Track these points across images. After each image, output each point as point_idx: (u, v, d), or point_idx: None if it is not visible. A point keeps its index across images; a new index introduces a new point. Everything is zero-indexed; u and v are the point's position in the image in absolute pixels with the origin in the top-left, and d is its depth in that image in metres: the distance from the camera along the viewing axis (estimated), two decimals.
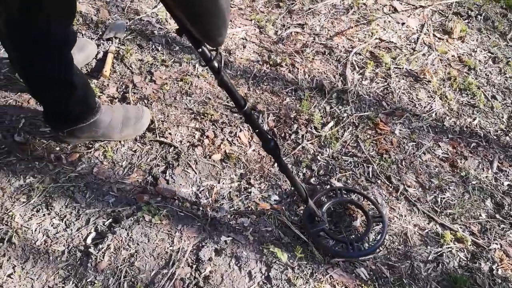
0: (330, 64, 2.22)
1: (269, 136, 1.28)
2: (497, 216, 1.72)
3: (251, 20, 2.41)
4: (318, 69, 2.19)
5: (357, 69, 2.21)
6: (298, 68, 2.17)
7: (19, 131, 1.71)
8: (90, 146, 1.71)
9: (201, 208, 1.62)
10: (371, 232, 1.60)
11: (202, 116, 1.89)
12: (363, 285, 1.48)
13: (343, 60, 2.23)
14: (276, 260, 1.49)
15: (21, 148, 1.67)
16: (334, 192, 1.71)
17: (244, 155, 1.80)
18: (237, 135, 1.85)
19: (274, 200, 1.69)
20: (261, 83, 2.08)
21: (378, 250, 1.57)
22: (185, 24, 0.94)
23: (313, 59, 2.23)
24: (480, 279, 1.52)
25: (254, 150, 1.83)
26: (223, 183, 1.71)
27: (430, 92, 2.14)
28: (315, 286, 1.45)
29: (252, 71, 2.13)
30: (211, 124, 1.87)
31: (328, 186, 1.74)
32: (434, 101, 2.11)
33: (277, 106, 1.98)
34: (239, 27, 2.36)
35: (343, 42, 2.34)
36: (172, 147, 1.77)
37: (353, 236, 1.60)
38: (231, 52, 2.21)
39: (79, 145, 1.71)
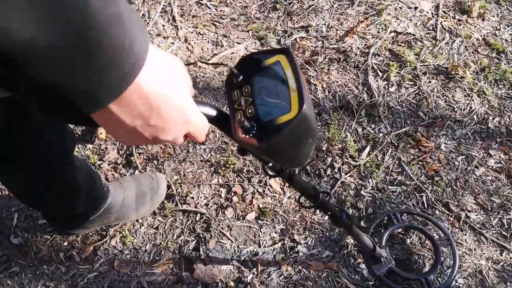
0: (348, 72, 1.95)
1: (340, 208, 1.04)
2: None
3: (248, 31, 2.10)
4: (337, 81, 1.92)
5: (380, 74, 1.95)
6: (315, 84, 1.90)
7: (15, 230, 1.42)
8: (104, 233, 1.44)
9: (248, 286, 1.39)
10: (441, 258, 1.42)
11: (224, 168, 1.62)
12: None
13: (362, 65, 1.97)
14: None
15: (21, 251, 1.39)
16: (389, 218, 1.52)
17: (280, 206, 1.56)
18: (267, 184, 1.60)
19: (327, 256, 1.47)
20: None
21: (455, 278, 1.39)
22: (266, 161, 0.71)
23: (328, 69, 1.95)
24: None
25: (289, 198, 1.58)
26: (265, 246, 1.48)
27: (466, 90, 1.91)
28: None
29: None
30: (235, 175, 1.61)
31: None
32: (473, 100, 1.88)
33: None
34: (238, 43, 2.05)
35: (356, 42, 2.07)
36: (199, 214, 1.51)
37: (422, 266, 1.41)
38: None
39: (90, 234, 1.43)
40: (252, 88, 0.61)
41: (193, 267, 1.40)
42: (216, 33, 2.09)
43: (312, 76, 1.92)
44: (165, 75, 0.47)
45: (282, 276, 1.43)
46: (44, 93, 0.40)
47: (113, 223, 1.42)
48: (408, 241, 1.49)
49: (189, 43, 2.03)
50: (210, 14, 2.16)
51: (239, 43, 2.05)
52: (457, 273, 1.42)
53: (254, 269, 1.43)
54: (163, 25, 2.07)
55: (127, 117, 0.46)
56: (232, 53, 2.01)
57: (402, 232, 1.52)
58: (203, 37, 2.06)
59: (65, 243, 1.41)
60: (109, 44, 0.38)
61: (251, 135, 0.58)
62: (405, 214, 1.55)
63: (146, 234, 1.46)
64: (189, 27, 2.09)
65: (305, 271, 1.44)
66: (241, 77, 0.62)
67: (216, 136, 1.71)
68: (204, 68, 1.93)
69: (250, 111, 0.59)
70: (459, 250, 1.50)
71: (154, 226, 1.48)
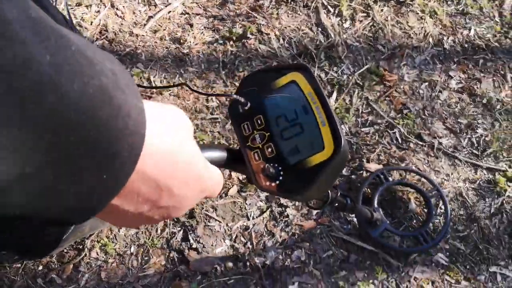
0: (299, 14, 1.83)
1: (343, 195, 0.99)
2: None
3: None
4: (290, 26, 1.79)
5: (332, 10, 1.84)
6: (267, 34, 1.76)
7: None
8: (80, 246, 1.31)
9: (247, 262, 1.35)
10: (434, 211, 1.45)
11: None
12: (447, 271, 1.37)
13: (311, 3, 1.84)
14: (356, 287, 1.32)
15: None
16: (375, 178, 1.50)
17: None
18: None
19: (317, 213, 1.45)
20: (235, 70, 1.67)
21: (449, 228, 1.43)
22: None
23: (277, 14, 1.81)
24: None
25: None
26: (254, 218, 1.43)
27: (418, 13, 1.86)
28: None
29: (217, 58, 1.70)
30: None
31: (364, 173, 1.52)
32: (426, 22, 1.85)
33: None
34: None
35: None
36: None
37: (415, 222, 1.45)
38: (180, 40, 1.72)
39: (66, 251, 1.30)
40: (266, 119, 0.49)
41: (187, 259, 1.32)
42: None
43: (263, 25, 1.77)
44: (170, 140, 0.35)
45: (278, 243, 1.40)
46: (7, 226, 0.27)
47: (88, 234, 1.29)
48: (399, 198, 1.50)
49: (117, 8, 1.77)
50: None
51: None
52: (450, 221, 1.44)
53: (249, 243, 1.39)
54: None
55: (131, 206, 0.35)
56: (169, 11, 1.79)
57: (392, 190, 1.50)
58: None
59: (40, 268, 1.27)
60: (100, 137, 0.27)
61: (277, 182, 0.47)
62: (391, 172, 1.52)
63: (127, 236, 1.35)
64: None
65: (298, 232, 1.42)
66: (248, 104, 0.50)
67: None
68: (143, 36, 1.71)
69: (270, 150, 0.48)
70: (437, 177, 1.54)
71: None
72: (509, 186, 1.52)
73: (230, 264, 1.34)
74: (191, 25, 1.77)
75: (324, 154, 0.46)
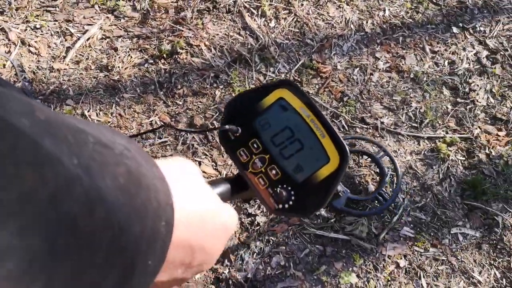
0: (224, 20, 1.81)
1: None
2: (458, 99, 1.77)
3: (92, 6, 1.76)
4: (218, 34, 1.77)
5: (255, 12, 1.85)
6: (197, 45, 1.73)
7: None
8: None
9: (229, 281, 1.33)
10: (387, 169, 1.54)
11: None
12: (415, 243, 1.45)
13: (233, 8, 1.83)
14: (339, 280, 1.35)
15: None
16: None
17: None
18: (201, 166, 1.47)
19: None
20: (174, 88, 1.62)
21: (403, 181, 1.53)
22: None
23: (203, 24, 1.78)
24: (486, 169, 1.61)
25: (227, 175, 1.50)
26: None
27: (335, 2, 1.93)
28: (384, 275, 1.38)
29: (152, 79, 1.63)
30: None
31: None
32: (344, 10, 1.92)
33: (214, 109, 1.59)
34: (89, 24, 1.72)
35: None
36: None
37: (372, 184, 1.52)
38: (108, 67, 1.63)
39: None
40: (262, 141, 0.47)
41: None
42: (56, 21, 1.71)
43: (190, 37, 1.73)
44: (192, 198, 0.34)
45: (255, 254, 1.39)
46: None
47: None
48: (351, 165, 1.56)
49: (29, 45, 1.63)
50: None
51: (91, 24, 1.72)
52: (402, 175, 1.54)
53: (226, 261, 1.37)
54: None
55: (165, 276, 0.34)
56: (88, 39, 1.68)
57: None
58: (42, 32, 1.67)
59: None
60: (142, 228, 0.26)
61: (291, 203, 0.45)
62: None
63: None
64: (18, 24, 1.66)
65: (273, 238, 1.42)
66: (239, 130, 0.48)
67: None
68: (65, 69, 1.59)
69: (274, 172, 0.46)
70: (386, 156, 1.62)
71: None
72: (450, 150, 1.65)
73: (213, 287, 1.31)
74: (115, 49, 1.68)
75: (331, 165, 0.45)
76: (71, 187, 0.21)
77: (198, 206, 0.35)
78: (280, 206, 0.46)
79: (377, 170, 1.55)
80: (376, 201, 1.48)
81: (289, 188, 0.46)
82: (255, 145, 0.47)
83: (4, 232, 0.18)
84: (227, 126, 0.47)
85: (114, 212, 0.23)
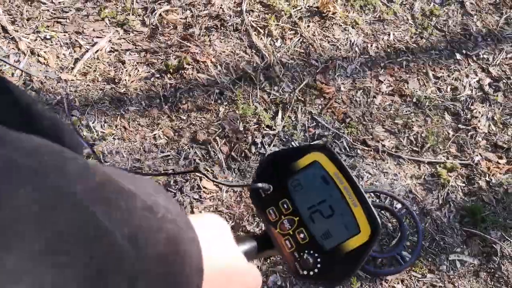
0: (231, 38, 1.84)
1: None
2: (460, 126, 1.79)
3: (102, 19, 1.80)
4: (224, 51, 1.80)
5: (261, 31, 1.87)
6: (203, 62, 1.75)
7: None
8: None
9: None
10: (406, 230, 1.51)
11: None
12: (413, 268, 1.45)
13: (240, 27, 1.86)
14: None
15: None
16: None
17: (222, 204, 1.48)
18: (201, 187, 1.48)
19: None
20: (179, 103, 1.64)
21: (422, 241, 1.49)
22: None
23: (210, 41, 1.81)
24: (486, 196, 1.62)
25: (227, 191, 1.50)
26: None
27: (341, 25, 1.96)
28: None
29: (157, 93, 1.65)
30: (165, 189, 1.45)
31: None
32: (350, 33, 1.95)
33: (217, 125, 1.61)
34: (98, 37, 1.75)
35: (225, 1, 1.93)
36: None
37: (391, 241, 1.51)
38: (115, 80, 1.65)
39: None
40: (293, 203, 0.46)
41: None
42: (66, 32, 1.74)
43: (197, 53, 1.76)
44: (221, 257, 0.35)
45: None
46: None
47: None
48: None
49: (38, 55, 1.66)
50: (48, 10, 1.77)
51: (100, 37, 1.75)
52: (423, 238, 1.49)
53: None
54: None
55: None
56: (97, 51, 1.71)
57: None
58: (52, 42, 1.70)
59: None
60: None
61: (316, 271, 0.44)
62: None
63: None
64: (28, 34, 1.69)
65: (271, 257, 1.42)
66: (271, 188, 0.47)
67: (124, 157, 1.49)
68: (72, 80, 1.62)
69: (302, 236, 0.45)
70: (386, 179, 1.63)
71: None
72: (450, 176, 1.65)
73: None
74: (123, 62, 1.70)
75: (361, 237, 0.44)
76: (119, 262, 0.22)
77: (227, 267, 0.36)
78: (305, 272, 0.45)
79: (398, 226, 1.51)
80: (394, 259, 1.44)
81: (316, 255, 0.45)
82: (285, 206, 0.47)
83: None
84: (259, 184, 0.47)
85: (153, 284, 0.25)
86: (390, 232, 1.50)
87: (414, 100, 1.82)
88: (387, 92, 1.83)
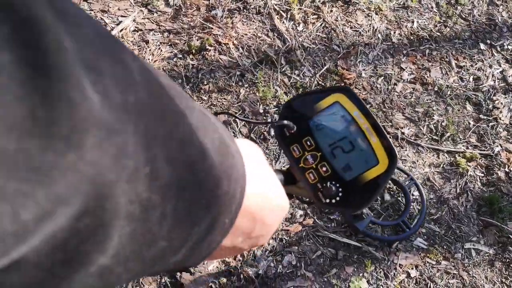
0: (253, 21, 1.84)
1: None
2: (481, 116, 1.77)
3: None
4: (246, 34, 1.80)
5: (284, 14, 1.87)
6: (226, 44, 1.76)
7: None
8: None
9: (241, 275, 1.35)
10: (411, 199, 1.53)
11: None
12: (427, 254, 1.46)
13: (263, 10, 1.86)
14: (349, 284, 1.37)
15: None
16: None
17: None
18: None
19: (300, 216, 1.49)
20: (200, 83, 1.66)
21: (427, 212, 1.52)
22: None
23: (232, 23, 1.81)
24: (504, 187, 1.61)
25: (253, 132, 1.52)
26: None
27: (364, 10, 1.95)
28: (394, 284, 1.39)
29: (180, 73, 1.67)
30: None
31: None
32: (373, 19, 1.94)
33: (237, 106, 1.62)
34: (123, 16, 1.77)
35: None
36: None
37: (396, 210, 1.52)
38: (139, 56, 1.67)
39: None
40: (315, 140, 0.51)
41: (180, 282, 1.30)
42: (92, 10, 1.76)
43: (219, 35, 1.77)
44: (260, 174, 0.37)
45: (267, 251, 1.41)
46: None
47: None
48: None
49: None
50: None
51: (125, 16, 1.77)
52: (427, 207, 1.52)
53: (239, 256, 1.39)
54: None
55: (228, 241, 0.36)
56: (121, 30, 1.73)
57: None
58: None
59: None
60: (229, 188, 0.29)
61: (338, 198, 0.49)
62: None
63: None
64: None
65: (286, 238, 1.44)
66: (295, 127, 0.51)
67: None
68: None
69: (324, 169, 0.50)
70: (404, 166, 1.63)
71: None
72: (469, 166, 1.65)
73: (224, 280, 1.34)
74: (147, 42, 1.73)
75: (379, 168, 0.48)
76: (194, 137, 0.25)
77: (265, 183, 0.38)
78: (328, 200, 0.49)
79: (403, 197, 1.54)
80: (397, 228, 1.47)
81: (337, 185, 0.49)
82: (308, 143, 0.51)
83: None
84: (285, 122, 0.51)
85: (214, 168, 0.27)
86: (396, 203, 1.51)
87: (436, 88, 1.81)
88: (408, 80, 1.82)
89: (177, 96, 0.25)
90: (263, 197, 0.37)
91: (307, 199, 0.54)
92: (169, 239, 0.24)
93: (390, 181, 1.54)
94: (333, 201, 0.49)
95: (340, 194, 0.49)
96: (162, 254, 0.25)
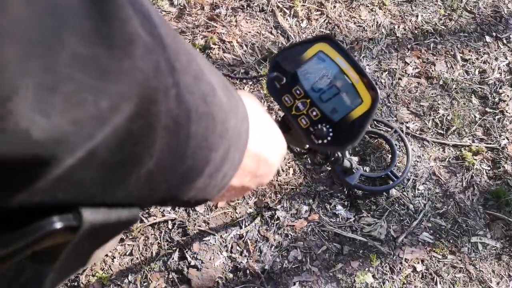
0: (257, 19, 1.85)
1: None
2: (487, 109, 1.76)
3: None
4: (250, 32, 1.81)
5: (287, 11, 1.88)
6: (229, 42, 1.77)
7: None
8: (75, 283, 1.26)
9: (247, 270, 1.37)
10: (396, 150, 1.58)
11: None
12: (433, 248, 1.46)
13: (266, 7, 1.87)
14: (354, 278, 1.37)
15: None
16: None
17: None
18: None
19: (305, 211, 1.49)
20: None
21: (413, 159, 1.59)
22: None
23: (236, 21, 1.83)
24: (511, 180, 1.60)
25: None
26: (246, 225, 1.45)
27: (368, 5, 1.95)
28: (400, 278, 1.39)
29: None
30: None
31: None
32: (376, 14, 1.93)
33: None
34: None
35: None
36: (170, 222, 1.39)
37: (383, 162, 1.53)
38: None
39: None
40: (303, 88, 0.55)
41: (187, 277, 1.32)
42: None
43: (223, 34, 1.78)
44: (261, 118, 0.40)
45: (273, 247, 1.42)
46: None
47: (80, 270, 1.25)
48: (364, 144, 1.58)
49: None
50: None
51: None
52: (412, 155, 1.60)
53: (245, 251, 1.40)
54: None
55: (236, 180, 0.38)
56: None
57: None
58: None
59: None
60: (237, 123, 0.32)
61: (329, 138, 0.53)
62: None
63: (122, 264, 1.32)
64: None
65: (291, 233, 1.45)
66: (284, 79, 0.55)
67: None
68: None
69: (314, 113, 0.55)
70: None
71: (127, 253, 1.33)
72: (475, 159, 1.64)
73: (230, 275, 1.35)
74: None
75: (364, 106, 0.53)
76: (204, 76, 0.27)
77: (264, 126, 0.40)
78: (320, 141, 0.54)
79: (390, 150, 1.60)
80: (388, 177, 1.52)
81: (328, 126, 0.54)
82: (297, 92, 0.56)
83: None
84: (274, 73, 0.55)
85: (223, 103, 0.29)
86: (383, 155, 1.52)
87: (441, 82, 1.80)
88: (413, 74, 1.82)
89: (185, 43, 0.28)
90: (267, 138, 0.39)
91: (299, 149, 0.59)
92: (194, 158, 0.27)
93: (375, 135, 1.59)
94: (325, 141, 0.53)
95: (330, 134, 0.53)
96: (189, 174, 0.28)
